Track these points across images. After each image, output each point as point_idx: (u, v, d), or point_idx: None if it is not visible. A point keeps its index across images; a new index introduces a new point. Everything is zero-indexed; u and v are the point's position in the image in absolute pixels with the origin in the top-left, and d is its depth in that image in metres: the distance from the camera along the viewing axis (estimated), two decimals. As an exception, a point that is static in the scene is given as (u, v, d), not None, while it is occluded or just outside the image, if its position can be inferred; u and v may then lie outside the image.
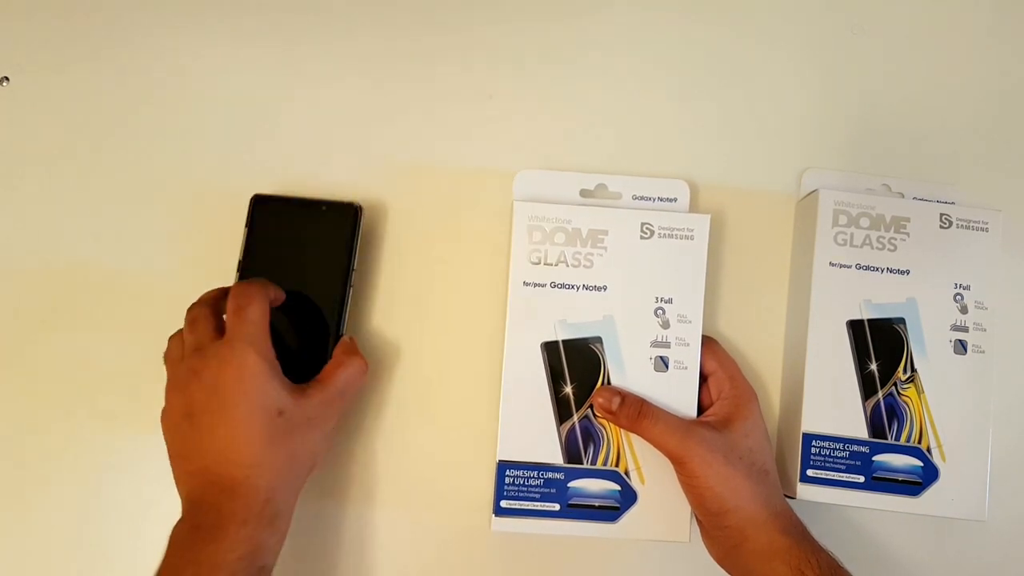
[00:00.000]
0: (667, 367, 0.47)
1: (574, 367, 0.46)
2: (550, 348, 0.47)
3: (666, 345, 0.47)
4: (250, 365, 0.41)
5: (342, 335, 0.48)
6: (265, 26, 0.54)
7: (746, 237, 0.53)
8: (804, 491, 0.47)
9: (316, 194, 0.50)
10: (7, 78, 0.52)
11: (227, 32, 0.54)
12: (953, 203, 0.51)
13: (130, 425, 0.51)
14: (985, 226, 0.49)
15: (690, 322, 0.47)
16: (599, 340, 0.46)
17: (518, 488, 0.46)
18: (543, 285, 0.47)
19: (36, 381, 0.51)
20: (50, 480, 0.50)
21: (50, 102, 0.53)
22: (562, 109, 0.53)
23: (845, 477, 0.47)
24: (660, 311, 0.47)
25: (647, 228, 0.47)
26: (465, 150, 0.53)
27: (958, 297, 0.48)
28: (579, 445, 0.46)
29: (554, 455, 0.46)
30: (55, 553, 0.50)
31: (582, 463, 0.46)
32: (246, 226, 0.49)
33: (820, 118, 0.54)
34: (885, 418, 0.47)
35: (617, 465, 0.46)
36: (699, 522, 0.46)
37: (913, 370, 0.47)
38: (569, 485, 0.46)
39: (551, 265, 0.47)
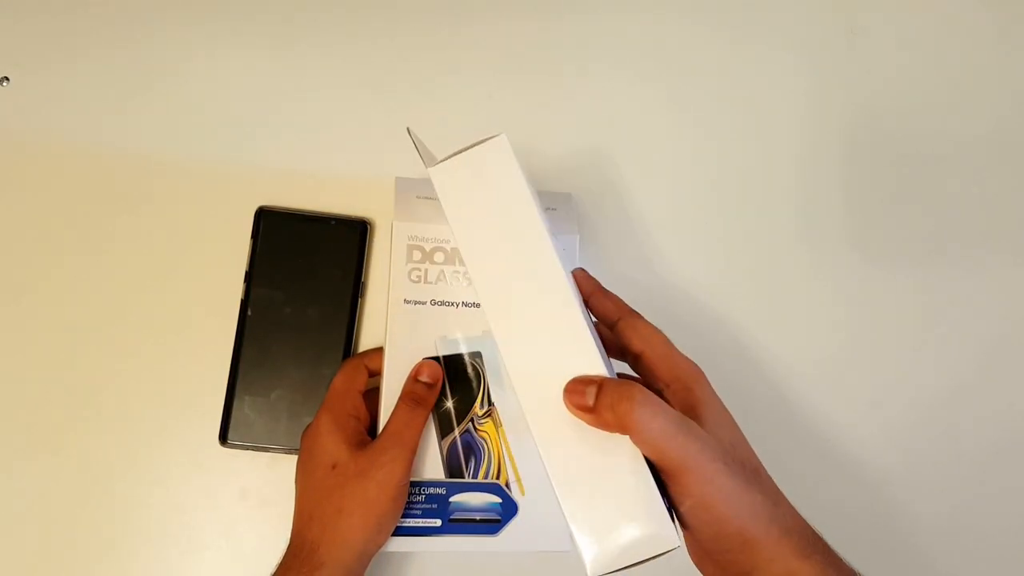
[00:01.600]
0: None
1: (455, 382, 0.47)
2: None
3: None
4: (316, 426, 0.45)
5: (352, 349, 0.51)
6: (268, 29, 0.53)
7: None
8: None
9: (320, 205, 0.51)
10: (7, 78, 0.51)
11: (230, 34, 0.53)
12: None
13: (137, 434, 0.51)
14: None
15: None
16: (479, 355, 0.47)
17: (400, 506, 0.45)
18: (423, 303, 0.47)
19: (36, 390, 0.50)
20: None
21: (50, 102, 0.52)
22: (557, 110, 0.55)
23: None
24: None
25: None
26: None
27: None
28: (460, 459, 0.46)
29: (436, 470, 0.46)
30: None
31: (463, 477, 0.46)
32: (252, 237, 0.50)
33: (816, 119, 0.56)
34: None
35: (498, 477, 0.46)
36: (691, 543, 0.38)
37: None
38: (451, 500, 0.46)
39: (431, 283, 0.47)
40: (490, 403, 0.47)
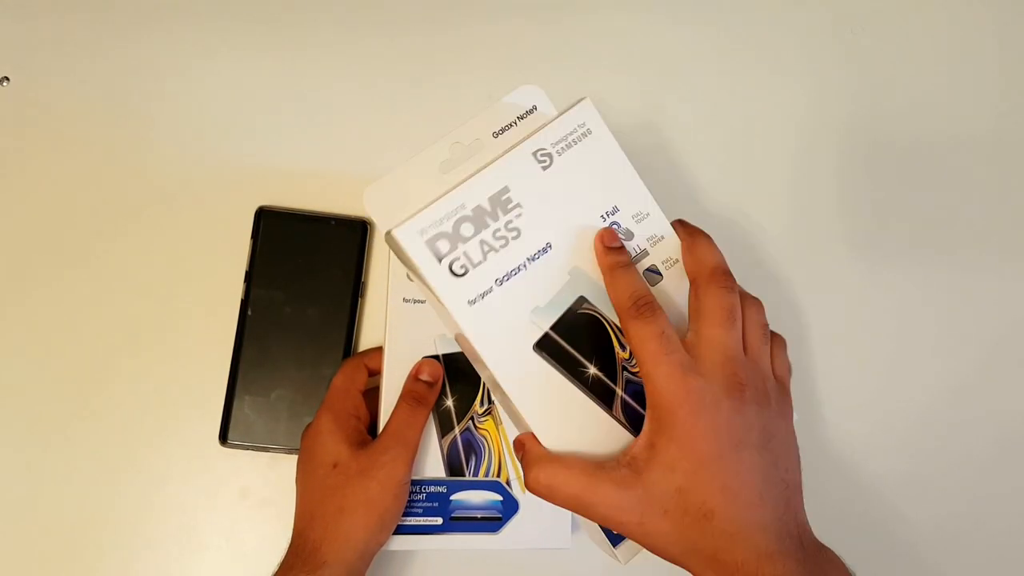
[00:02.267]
0: None
1: (455, 380, 0.47)
2: None
3: None
4: (317, 425, 0.45)
5: (352, 349, 0.51)
6: (267, 29, 0.53)
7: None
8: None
9: (320, 204, 0.51)
10: (7, 78, 0.51)
11: (231, 34, 0.53)
12: (533, 108, 0.41)
13: (137, 434, 0.51)
14: (585, 130, 0.39)
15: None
16: None
17: (400, 505, 0.45)
18: (422, 301, 0.47)
19: (36, 390, 0.50)
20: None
21: (50, 102, 0.52)
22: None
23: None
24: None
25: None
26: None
27: (614, 227, 0.39)
28: (461, 457, 0.46)
29: (436, 469, 0.46)
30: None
31: (464, 475, 0.46)
32: (252, 237, 0.50)
33: (816, 119, 0.56)
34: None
35: (499, 475, 0.46)
36: None
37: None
38: (451, 498, 0.46)
39: None
40: (490, 401, 0.47)
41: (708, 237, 0.39)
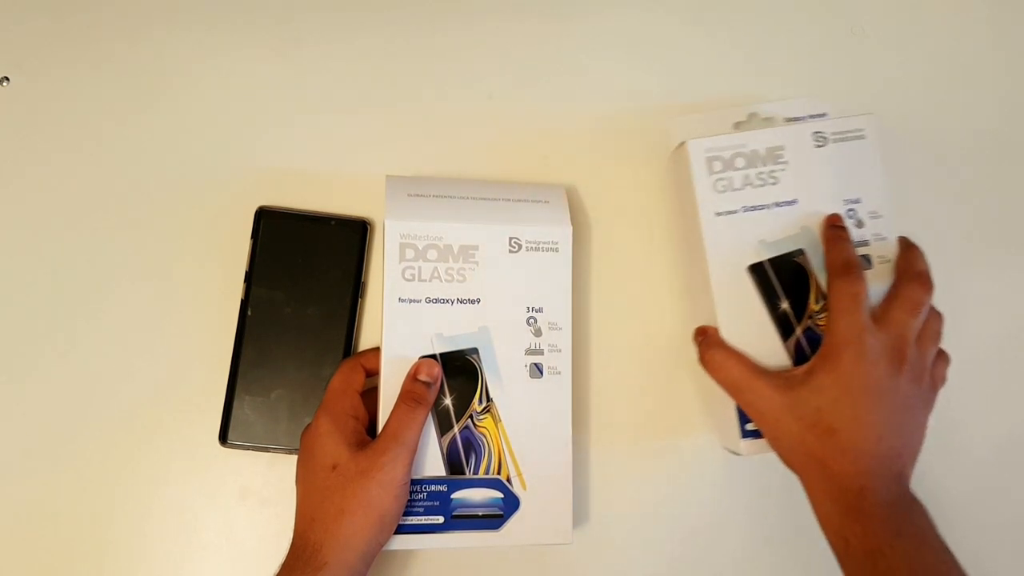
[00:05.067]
0: (541, 373, 0.47)
1: (452, 379, 0.47)
2: None
3: (539, 352, 0.47)
4: (316, 427, 0.45)
5: (352, 349, 0.51)
6: (267, 29, 0.54)
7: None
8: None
9: (320, 204, 0.52)
10: (7, 78, 0.51)
11: (231, 34, 0.53)
12: (825, 114, 0.52)
13: (137, 434, 0.51)
14: (861, 133, 0.48)
15: (560, 329, 0.48)
16: (475, 351, 0.47)
17: (401, 504, 0.45)
18: (418, 301, 0.47)
19: (36, 390, 0.50)
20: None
21: (50, 102, 0.52)
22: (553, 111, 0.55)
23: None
24: (532, 320, 0.47)
25: (515, 243, 0.48)
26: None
27: (850, 213, 0.48)
28: (460, 456, 0.46)
29: (436, 468, 0.46)
30: None
31: (464, 473, 0.46)
32: (252, 237, 0.50)
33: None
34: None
35: (499, 473, 0.46)
36: None
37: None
38: (452, 496, 0.46)
39: (425, 281, 0.47)
40: (488, 399, 0.47)
41: (923, 253, 0.47)
